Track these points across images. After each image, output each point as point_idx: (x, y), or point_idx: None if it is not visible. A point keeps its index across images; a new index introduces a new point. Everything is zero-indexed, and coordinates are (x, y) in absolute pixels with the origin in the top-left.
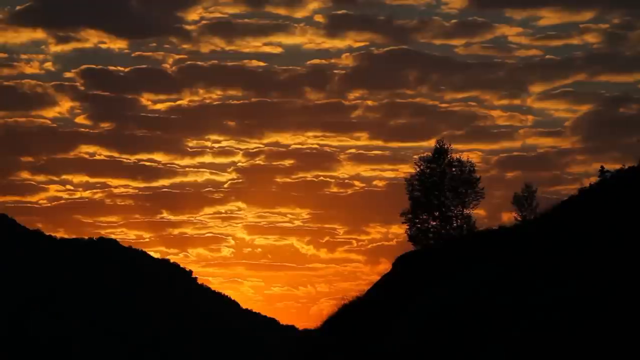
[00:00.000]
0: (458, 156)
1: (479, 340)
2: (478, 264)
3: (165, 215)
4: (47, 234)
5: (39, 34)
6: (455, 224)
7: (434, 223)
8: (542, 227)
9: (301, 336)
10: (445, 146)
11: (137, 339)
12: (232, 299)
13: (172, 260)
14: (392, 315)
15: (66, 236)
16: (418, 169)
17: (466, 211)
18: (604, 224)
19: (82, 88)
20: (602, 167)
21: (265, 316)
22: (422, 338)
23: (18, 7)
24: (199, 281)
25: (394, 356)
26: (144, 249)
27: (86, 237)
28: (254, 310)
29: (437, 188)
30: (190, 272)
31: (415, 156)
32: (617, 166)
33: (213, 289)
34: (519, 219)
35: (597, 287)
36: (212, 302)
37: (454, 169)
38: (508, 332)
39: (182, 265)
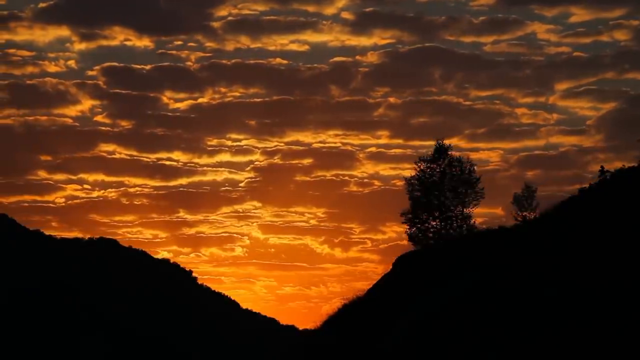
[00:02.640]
0: (458, 156)
1: (478, 340)
2: (478, 264)
3: (182, 214)
4: (47, 234)
5: (64, 32)
6: (455, 224)
7: (434, 223)
8: (542, 227)
9: (301, 336)
10: (445, 146)
11: (136, 339)
12: (232, 298)
13: (181, 260)
14: (392, 315)
15: (81, 235)
16: (418, 169)
17: (466, 211)
18: (604, 223)
19: (104, 86)
20: (602, 167)
21: (265, 316)
22: (422, 338)
23: (41, 5)
24: (212, 281)
25: (394, 356)
26: (157, 249)
27: (86, 237)
28: (253, 310)
29: (437, 188)
30: (190, 272)
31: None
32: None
33: (222, 289)
34: (519, 219)
35: (597, 287)
36: (211, 302)
37: (453, 169)
38: (508, 332)
39: (193, 265)
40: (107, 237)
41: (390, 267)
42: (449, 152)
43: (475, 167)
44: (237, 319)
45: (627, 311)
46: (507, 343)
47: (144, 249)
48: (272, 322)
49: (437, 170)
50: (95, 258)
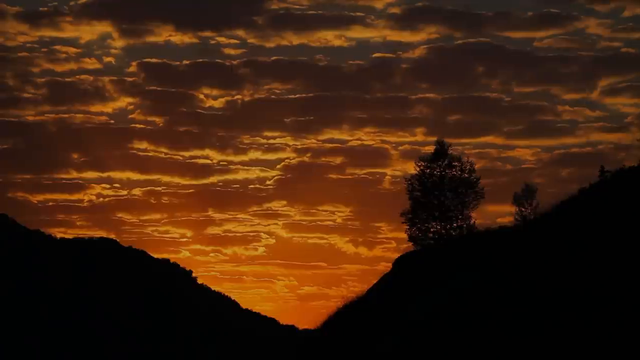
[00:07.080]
0: (458, 156)
1: (478, 340)
2: (478, 264)
3: (211, 213)
4: (47, 233)
5: (106, 28)
6: (455, 224)
7: (434, 223)
8: (542, 227)
9: (301, 336)
10: (446, 146)
11: (135, 339)
12: (232, 298)
13: (201, 260)
14: (391, 316)
15: (105, 235)
16: (418, 169)
17: (466, 212)
18: (604, 223)
19: (142, 83)
20: (602, 167)
21: (265, 316)
22: (422, 338)
23: (83, 0)
24: (232, 280)
25: (394, 356)
26: (179, 248)
27: (86, 237)
28: (254, 310)
29: (437, 188)
30: (190, 271)
31: (465, 152)
32: None
33: (242, 288)
34: (519, 219)
35: (597, 286)
36: (211, 302)
37: (454, 169)
38: (508, 332)
39: (210, 265)
40: (107, 237)
41: (391, 267)
42: (449, 152)
43: (475, 166)
44: (237, 319)
45: (626, 311)
46: (507, 343)
47: (167, 248)
48: (272, 322)
49: (437, 170)
50: (95, 258)
